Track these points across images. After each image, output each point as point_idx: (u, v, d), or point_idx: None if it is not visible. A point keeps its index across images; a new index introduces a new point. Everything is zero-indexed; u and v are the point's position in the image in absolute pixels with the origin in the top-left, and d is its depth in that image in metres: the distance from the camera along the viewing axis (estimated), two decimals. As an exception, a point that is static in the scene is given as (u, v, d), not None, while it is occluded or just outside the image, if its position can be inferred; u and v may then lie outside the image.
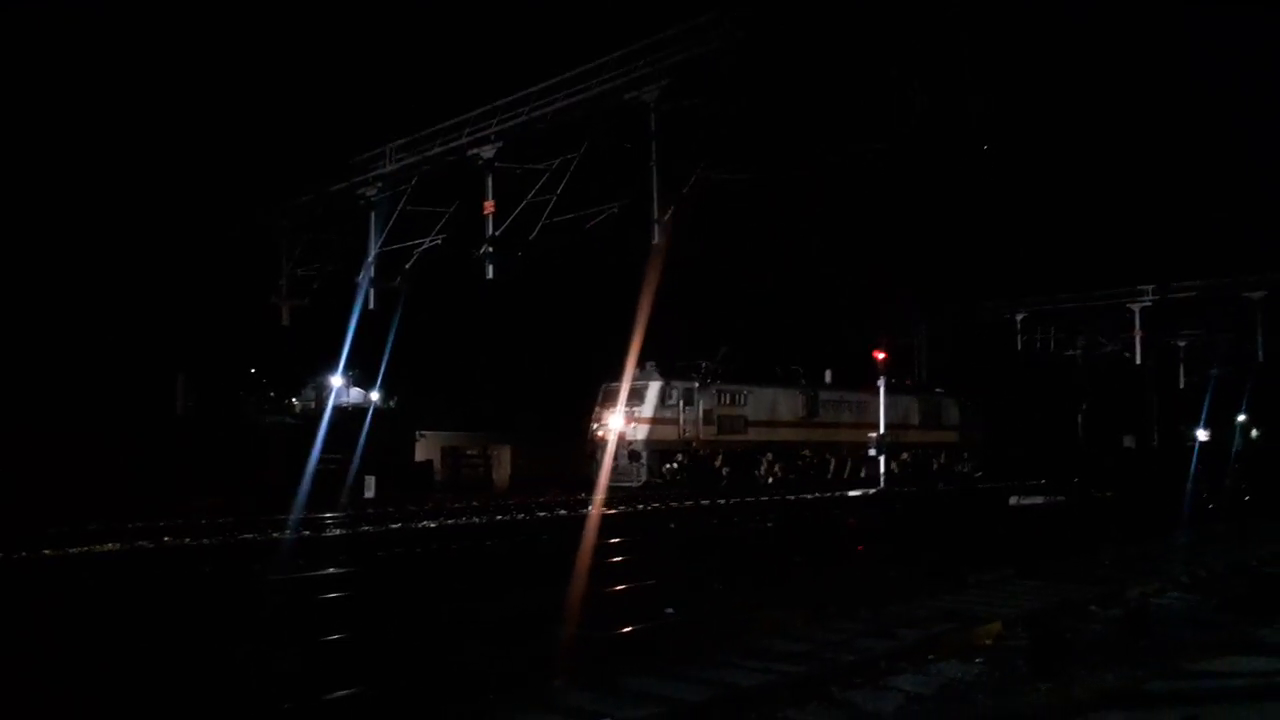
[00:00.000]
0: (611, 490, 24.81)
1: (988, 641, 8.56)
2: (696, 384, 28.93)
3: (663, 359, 28.86)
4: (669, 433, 28.25)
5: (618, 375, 27.30)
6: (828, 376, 33.81)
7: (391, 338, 27.04)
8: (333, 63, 25.26)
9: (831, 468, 33.34)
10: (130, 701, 7.33)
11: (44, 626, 9.69)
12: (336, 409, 27.85)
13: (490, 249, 21.56)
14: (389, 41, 25.00)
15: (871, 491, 28.16)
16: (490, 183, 21.57)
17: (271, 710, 7.07)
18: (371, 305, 24.66)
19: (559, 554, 15.61)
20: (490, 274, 21.82)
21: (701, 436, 28.96)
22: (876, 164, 20.08)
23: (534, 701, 7.21)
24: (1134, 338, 38.16)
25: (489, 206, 21.44)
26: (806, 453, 32.45)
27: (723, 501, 24.51)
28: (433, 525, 18.93)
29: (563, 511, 22.05)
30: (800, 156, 20.56)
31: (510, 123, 21.11)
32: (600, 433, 28.27)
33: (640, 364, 27.62)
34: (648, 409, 27.86)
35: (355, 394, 29.42)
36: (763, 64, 18.13)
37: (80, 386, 25.09)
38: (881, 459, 29.47)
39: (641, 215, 19.72)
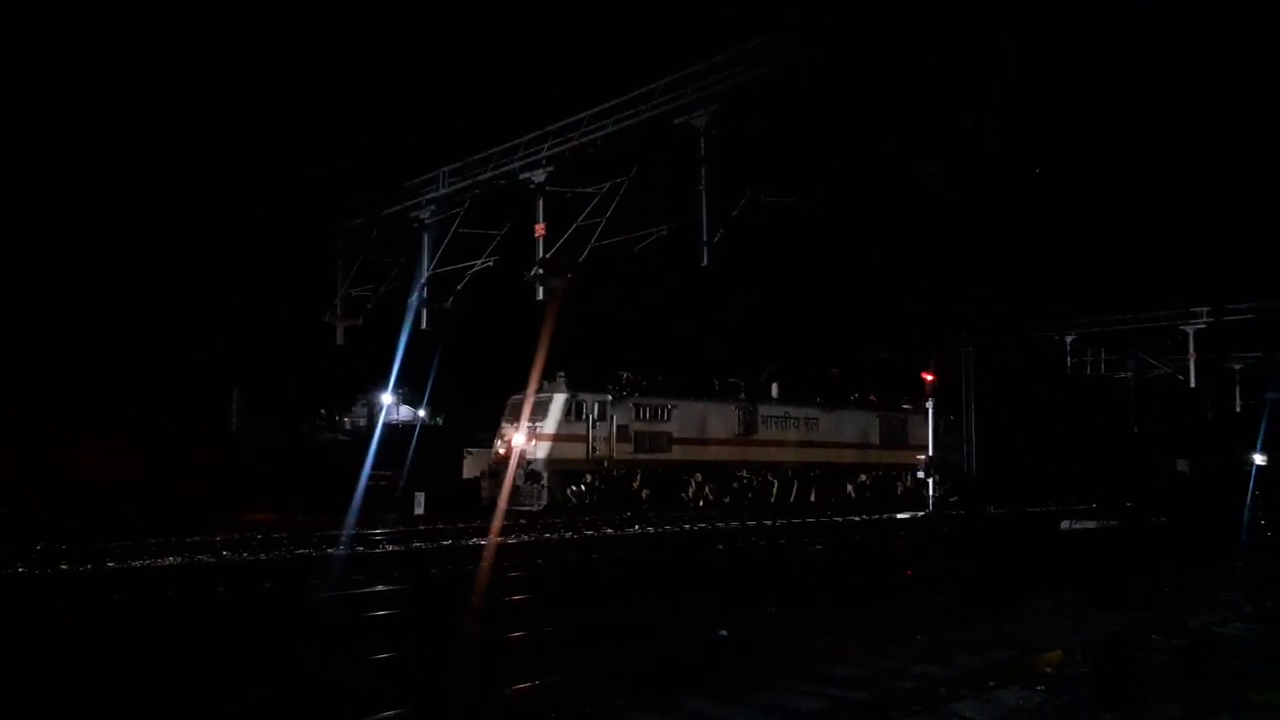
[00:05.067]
0: (513, 515, 23.12)
1: (1049, 669, 8.51)
2: (610, 397, 26.50)
3: (594, 370, 26.63)
4: (575, 450, 25.87)
5: (524, 386, 25.39)
6: (774, 390, 31.49)
7: (439, 356, 27.53)
8: (388, 87, 25.83)
9: (775, 491, 30.82)
10: (203, 713, 7.56)
11: (115, 641, 9.98)
12: (386, 426, 28.34)
13: (540, 271, 21.85)
14: (442, 66, 25.52)
15: (920, 514, 27.91)
16: (541, 206, 21.89)
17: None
18: (424, 325, 25.07)
19: (607, 573, 15.83)
20: (540, 295, 22.11)
21: (615, 455, 26.49)
22: (930, 188, 20.06)
23: (596, 722, 7.30)
24: (1188, 360, 37.53)
25: (540, 229, 21.75)
26: (744, 474, 29.88)
27: (769, 523, 24.47)
28: (482, 542, 19.14)
29: (609, 530, 22.23)
30: (850, 180, 20.63)
31: (561, 147, 21.41)
32: (501, 450, 26.08)
33: (552, 374, 25.82)
34: (550, 424, 25.50)
35: (405, 411, 29.88)
36: (812, 89, 18.24)
37: (137, 401, 25.78)
38: (931, 481, 29.15)
39: (690, 238, 19.88)
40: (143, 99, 24.06)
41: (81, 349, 25.04)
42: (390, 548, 18.12)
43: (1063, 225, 28.96)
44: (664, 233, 21.22)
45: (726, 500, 28.90)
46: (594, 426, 26.09)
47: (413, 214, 24.94)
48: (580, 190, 21.68)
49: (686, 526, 23.43)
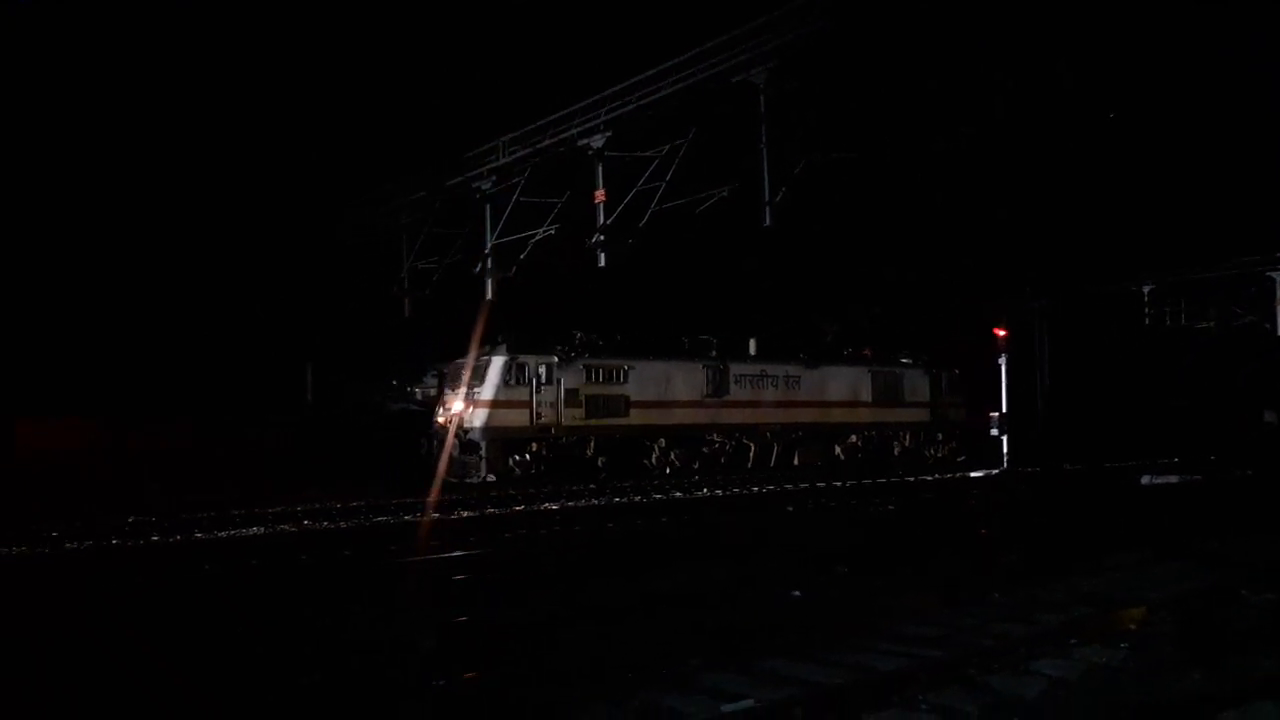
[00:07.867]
0: (451, 487, 22.16)
1: (1132, 626, 8.33)
2: (556, 358, 24.80)
3: (542, 330, 25.11)
4: (518, 418, 24.29)
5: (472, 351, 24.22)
6: (751, 347, 29.71)
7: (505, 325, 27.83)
8: (444, 60, 26.01)
9: (751, 455, 28.87)
10: (294, 675, 7.82)
11: (212, 610, 10.37)
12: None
13: (602, 237, 21.89)
14: (497, 35, 25.61)
15: (994, 472, 27.50)
16: (600, 172, 21.89)
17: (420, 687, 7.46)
18: (489, 295, 25.35)
19: (677, 538, 15.93)
20: (602, 262, 22.17)
21: (564, 421, 24.87)
22: (983, 144, 19.53)
23: (672, 682, 7.36)
24: (1275, 308, 36.20)
25: (600, 195, 21.77)
26: (714, 438, 28.01)
27: (838, 484, 24.34)
28: (554, 507, 19.42)
29: (678, 494, 22.36)
30: (907, 136, 20.19)
31: (618, 111, 21.35)
32: (441, 419, 24.79)
33: (497, 337, 24.57)
34: (489, 390, 23.93)
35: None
36: (859, 48, 17.86)
37: (214, 379, 26.65)
38: (1004, 439, 28.65)
39: (752, 199, 19.70)
40: (192, 87, 24.65)
41: (160, 330, 25.91)
42: (464, 514, 18.49)
43: (1137, 170, 27.92)
44: (725, 194, 21.06)
45: (695, 466, 27.39)
46: (538, 391, 24.51)
47: (474, 185, 25.17)
48: (639, 154, 21.61)
49: (755, 489, 23.46)
